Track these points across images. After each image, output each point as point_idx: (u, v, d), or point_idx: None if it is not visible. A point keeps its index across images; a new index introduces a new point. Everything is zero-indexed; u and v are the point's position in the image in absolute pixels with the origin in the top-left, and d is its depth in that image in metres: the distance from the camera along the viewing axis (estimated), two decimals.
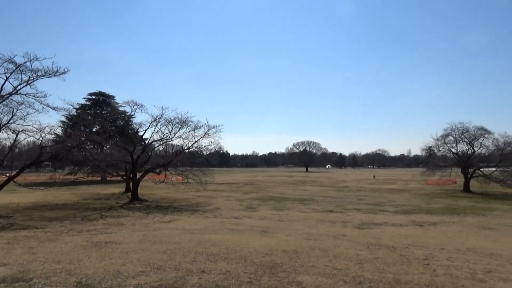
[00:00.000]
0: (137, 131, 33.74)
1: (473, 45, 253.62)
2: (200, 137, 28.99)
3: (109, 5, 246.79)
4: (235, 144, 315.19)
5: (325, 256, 8.62)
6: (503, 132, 63.00)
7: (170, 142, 30.57)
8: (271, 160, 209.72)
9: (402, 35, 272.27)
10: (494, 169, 40.10)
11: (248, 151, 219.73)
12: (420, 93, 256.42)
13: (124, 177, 30.24)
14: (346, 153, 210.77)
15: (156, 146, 32.67)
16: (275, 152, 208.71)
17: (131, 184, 29.45)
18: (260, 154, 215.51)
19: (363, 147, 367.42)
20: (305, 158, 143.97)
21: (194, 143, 29.22)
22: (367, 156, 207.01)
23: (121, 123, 45.81)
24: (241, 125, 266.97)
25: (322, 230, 14.81)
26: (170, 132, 28.75)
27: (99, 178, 43.43)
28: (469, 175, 40.52)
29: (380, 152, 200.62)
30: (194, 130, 28.80)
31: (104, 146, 37.06)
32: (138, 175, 28.56)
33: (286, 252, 8.90)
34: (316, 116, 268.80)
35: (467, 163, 40.60)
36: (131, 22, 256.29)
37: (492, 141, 41.50)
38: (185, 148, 29.86)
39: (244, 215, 20.40)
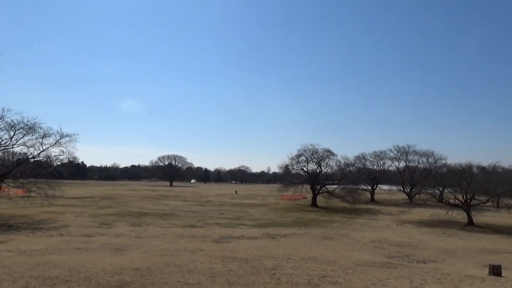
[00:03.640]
0: None
1: (319, 72, 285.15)
2: (50, 146, 26.04)
3: None
4: (93, 155, 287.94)
5: (179, 272, 8.53)
6: (344, 154, 73.81)
7: (11, 150, 26.43)
8: (133, 173, 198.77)
9: (269, 58, 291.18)
10: (336, 186, 46.16)
11: (108, 163, 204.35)
12: (280, 113, 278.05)
13: None
14: (211, 168, 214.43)
15: None
16: (139, 165, 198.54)
17: None
18: (121, 166, 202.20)
19: (228, 163, 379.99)
20: (170, 172, 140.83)
21: (41, 152, 25.99)
22: (231, 171, 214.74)
23: None
24: (101, 135, 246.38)
25: (181, 246, 14.67)
26: (11, 138, 24.88)
27: None
28: (316, 191, 45.70)
29: (243, 168, 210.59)
30: (43, 137, 25.66)
31: None
32: None
33: (138, 270, 8.50)
34: (182, 130, 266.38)
35: (315, 181, 45.81)
36: None
37: (336, 162, 48.43)
38: (30, 156, 26.19)
39: (97, 232, 18.80)
